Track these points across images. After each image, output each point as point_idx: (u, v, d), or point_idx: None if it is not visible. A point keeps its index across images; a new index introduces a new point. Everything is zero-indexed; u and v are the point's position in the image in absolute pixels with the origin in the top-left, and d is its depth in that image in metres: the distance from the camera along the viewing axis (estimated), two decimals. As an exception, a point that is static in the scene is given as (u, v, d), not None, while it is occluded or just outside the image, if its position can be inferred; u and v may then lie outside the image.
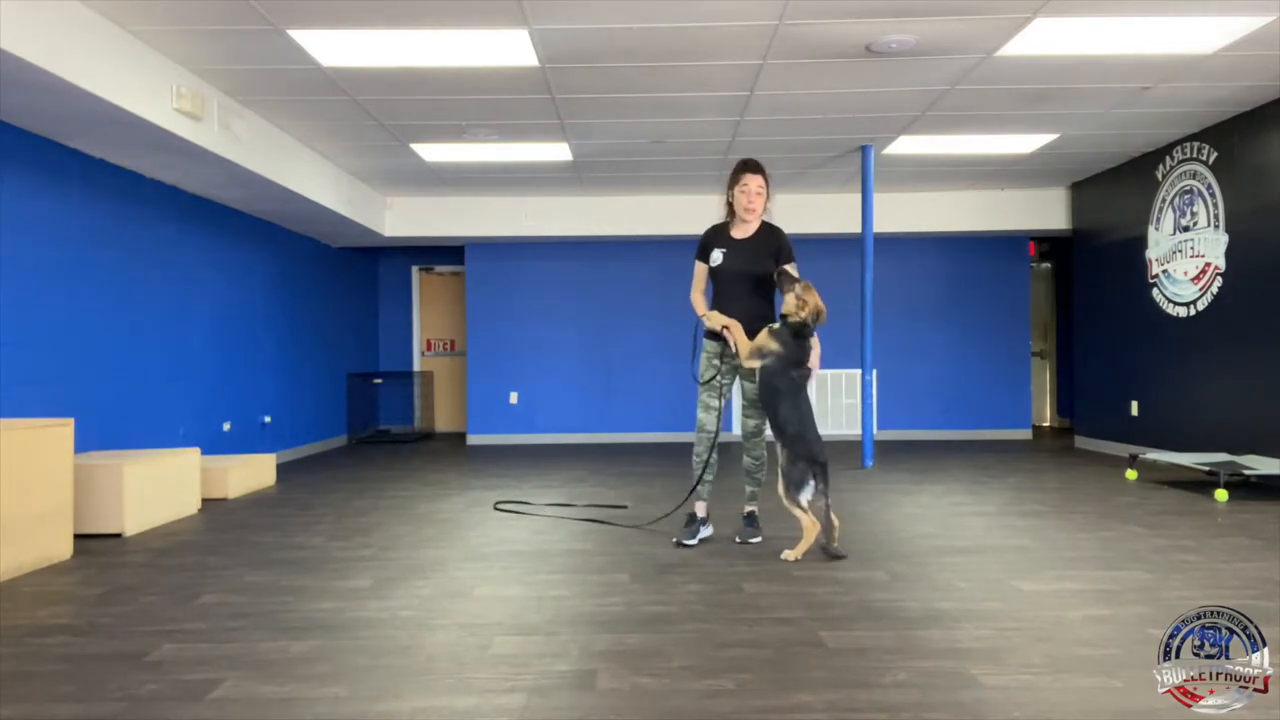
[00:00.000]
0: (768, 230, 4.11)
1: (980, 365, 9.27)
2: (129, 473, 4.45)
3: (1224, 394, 6.20)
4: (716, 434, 4.06)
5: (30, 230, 4.61)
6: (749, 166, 4.05)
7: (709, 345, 4.11)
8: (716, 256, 4.06)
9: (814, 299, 3.81)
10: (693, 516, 4.14)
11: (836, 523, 3.86)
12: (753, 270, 4.03)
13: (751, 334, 3.93)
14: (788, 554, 3.74)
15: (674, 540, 4.07)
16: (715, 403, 4.08)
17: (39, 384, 4.66)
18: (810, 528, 3.74)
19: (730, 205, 4.11)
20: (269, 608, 3.11)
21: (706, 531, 4.13)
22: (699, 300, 4.20)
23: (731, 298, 4.04)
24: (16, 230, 4.51)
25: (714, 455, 4.10)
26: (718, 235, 4.14)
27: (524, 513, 4.96)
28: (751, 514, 4.21)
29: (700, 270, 4.16)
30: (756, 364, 3.86)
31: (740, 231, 4.10)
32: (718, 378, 4.07)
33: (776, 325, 3.88)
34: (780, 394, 3.83)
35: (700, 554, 3.89)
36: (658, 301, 9.19)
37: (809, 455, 3.76)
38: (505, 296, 9.36)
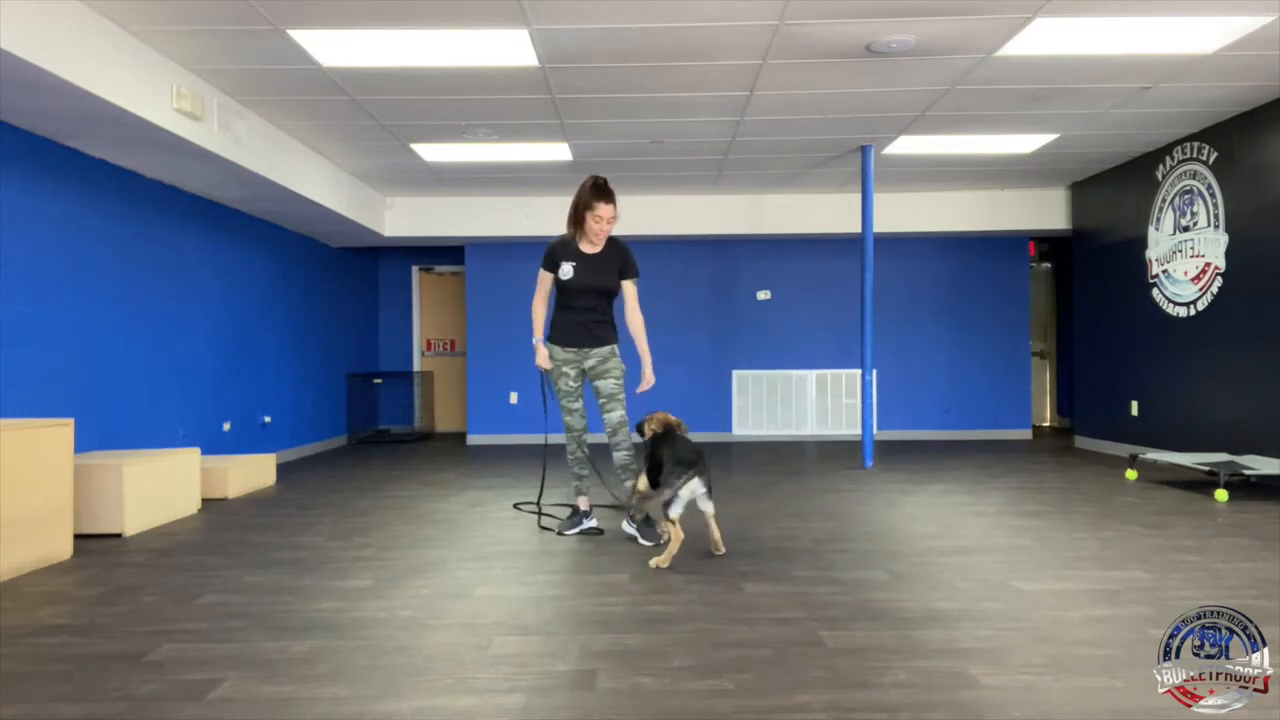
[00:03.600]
0: (614, 245, 4.33)
1: (980, 365, 9.27)
2: (129, 473, 4.45)
3: (1224, 394, 6.20)
4: (583, 431, 4.41)
5: (30, 230, 4.61)
6: (604, 194, 4.15)
7: (560, 354, 4.30)
8: (566, 270, 4.25)
9: (659, 415, 4.13)
10: (575, 510, 4.44)
11: (717, 533, 3.85)
12: (600, 284, 4.28)
13: (590, 336, 4.25)
14: (656, 561, 3.64)
15: (556, 531, 4.40)
16: (577, 405, 4.37)
17: (39, 384, 4.66)
18: (677, 536, 3.63)
19: (578, 222, 4.21)
20: (269, 608, 3.11)
21: (590, 523, 4.41)
22: (539, 310, 4.41)
23: (577, 308, 4.30)
24: (16, 230, 4.51)
25: (584, 450, 4.42)
26: (565, 249, 4.30)
27: (546, 514, 4.92)
28: (646, 516, 4.20)
29: (545, 279, 4.35)
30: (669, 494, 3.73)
31: (589, 248, 4.29)
32: (571, 383, 4.33)
33: (645, 476, 3.96)
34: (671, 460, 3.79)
35: (700, 554, 3.89)
36: (657, 301, 9.17)
37: (675, 459, 3.69)
38: (505, 296, 9.34)
